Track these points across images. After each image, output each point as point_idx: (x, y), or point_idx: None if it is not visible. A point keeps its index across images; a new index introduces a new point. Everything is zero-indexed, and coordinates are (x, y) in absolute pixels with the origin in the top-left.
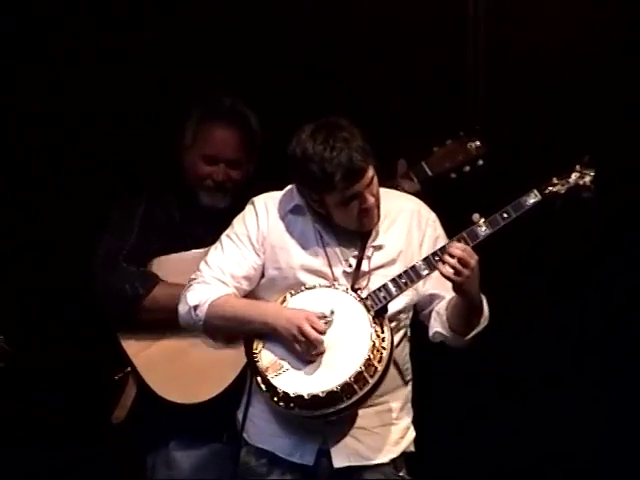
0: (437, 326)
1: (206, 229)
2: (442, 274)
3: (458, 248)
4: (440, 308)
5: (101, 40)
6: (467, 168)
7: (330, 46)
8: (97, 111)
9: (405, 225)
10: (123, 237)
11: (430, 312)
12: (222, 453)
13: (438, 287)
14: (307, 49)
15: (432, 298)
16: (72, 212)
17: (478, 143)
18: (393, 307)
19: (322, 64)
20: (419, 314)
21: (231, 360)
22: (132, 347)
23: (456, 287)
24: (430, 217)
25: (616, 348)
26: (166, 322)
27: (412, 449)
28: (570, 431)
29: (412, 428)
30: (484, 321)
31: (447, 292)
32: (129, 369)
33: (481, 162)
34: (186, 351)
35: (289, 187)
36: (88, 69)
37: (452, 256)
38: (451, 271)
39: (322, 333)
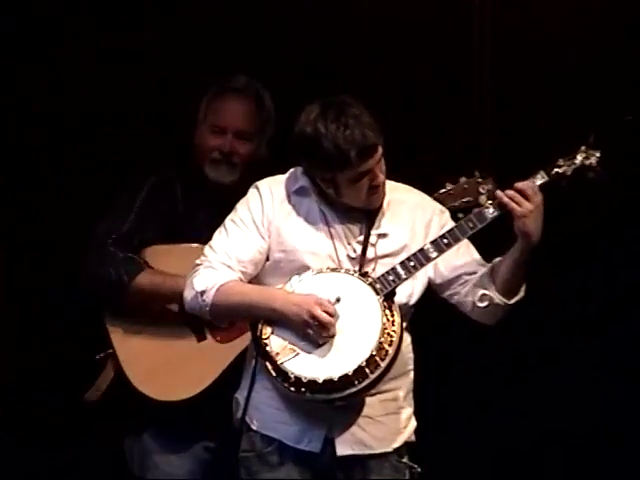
0: (483, 288)
1: (208, 216)
2: (504, 207)
3: (520, 183)
4: (483, 274)
5: (101, 40)
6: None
7: (330, 46)
8: (97, 111)
9: (409, 217)
10: (117, 222)
11: (461, 285)
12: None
13: (468, 265)
14: (307, 49)
15: (461, 276)
16: (72, 212)
17: (490, 187)
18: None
19: (322, 64)
20: (445, 292)
21: (214, 360)
22: (117, 335)
23: (518, 223)
24: (436, 207)
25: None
26: (151, 310)
27: (413, 439)
28: (570, 408)
29: (413, 418)
30: (523, 291)
31: (477, 268)
32: (110, 351)
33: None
34: (170, 345)
35: (292, 170)
36: (88, 69)
37: (515, 190)
38: (512, 203)
39: (333, 316)
